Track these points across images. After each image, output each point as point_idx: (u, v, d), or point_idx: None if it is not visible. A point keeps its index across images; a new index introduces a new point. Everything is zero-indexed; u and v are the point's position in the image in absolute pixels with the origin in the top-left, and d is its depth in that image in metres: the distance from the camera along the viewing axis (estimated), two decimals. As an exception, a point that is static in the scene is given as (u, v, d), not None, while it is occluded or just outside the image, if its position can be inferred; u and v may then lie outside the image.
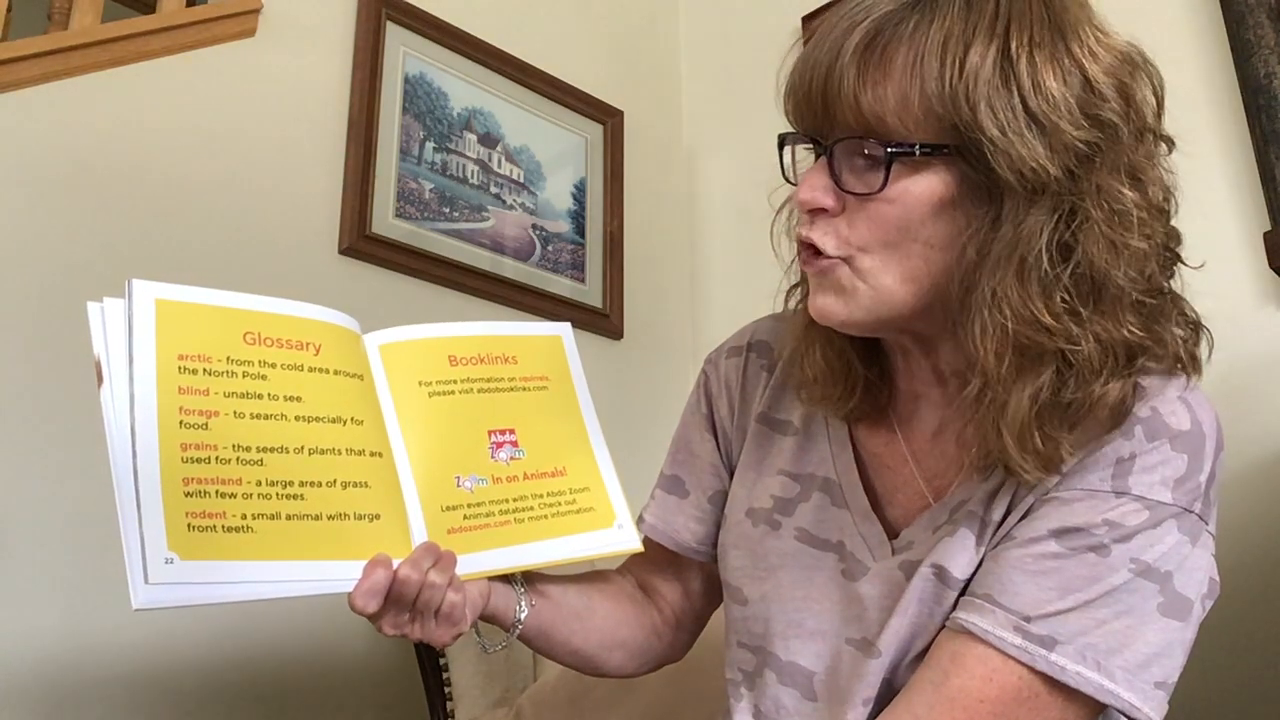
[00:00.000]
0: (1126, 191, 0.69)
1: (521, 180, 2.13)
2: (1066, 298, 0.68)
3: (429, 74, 2.03)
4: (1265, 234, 1.52)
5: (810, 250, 0.75)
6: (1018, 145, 0.67)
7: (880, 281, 0.73)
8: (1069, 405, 0.70)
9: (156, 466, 0.68)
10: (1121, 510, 0.70)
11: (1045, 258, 0.68)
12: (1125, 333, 0.69)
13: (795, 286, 0.87)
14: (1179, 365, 0.74)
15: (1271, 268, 1.52)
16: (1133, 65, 0.73)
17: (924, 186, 0.71)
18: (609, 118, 2.30)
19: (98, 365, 0.71)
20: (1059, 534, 0.71)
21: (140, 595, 0.65)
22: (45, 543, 1.43)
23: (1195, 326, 0.76)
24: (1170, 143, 0.75)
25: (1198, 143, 1.62)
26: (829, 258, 0.74)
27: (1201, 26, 1.68)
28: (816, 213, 0.74)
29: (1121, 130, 0.70)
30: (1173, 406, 0.72)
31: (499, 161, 2.10)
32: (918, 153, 0.70)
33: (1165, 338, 0.72)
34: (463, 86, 2.08)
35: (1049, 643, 0.69)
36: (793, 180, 0.79)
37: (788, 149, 0.79)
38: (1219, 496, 0.74)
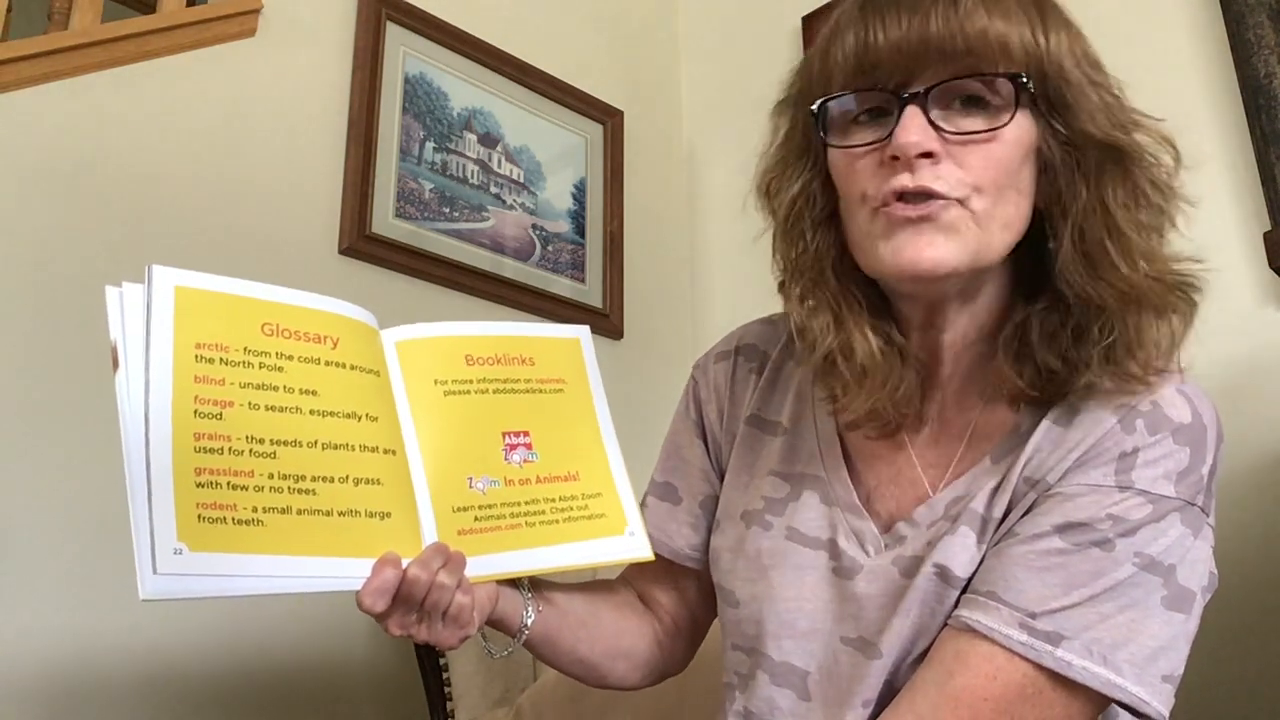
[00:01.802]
0: (1156, 162, 0.75)
1: (521, 180, 2.13)
2: (1150, 250, 0.73)
3: (429, 74, 2.03)
4: (1265, 234, 1.53)
5: (907, 197, 0.72)
6: (1091, 96, 0.72)
7: (989, 225, 0.73)
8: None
9: (169, 455, 0.68)
10: (1125, 505, 0.70)
11: (1122, 206, 0.72)
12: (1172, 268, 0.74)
13: (783, 284, 0.84)
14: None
15: (1271, 268, 1.52)
16: (1162, 135, 0.77)
17: (1022, 129, 0.73)
18: (609, 118, 2.30)
19: (114, 350, 0.70)
20: (1063, 529, 0.71)
21: (148, 585, 0.64)
22: (48, 542, 1.42)
23: None
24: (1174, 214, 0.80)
25: (1198, 143, 1.63)
26: (943, 198, 0.72)
27: (1201, 26, 1.68)
28: (920, 159, 0.72)
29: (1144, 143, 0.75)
30: (1173, 400, 0.73)
31: (499, 161, 2.10)
32: (1032, 87, 0.72)
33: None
34: (463, 86, 2.08)
35: (1055, 639, 0.69)
36: (836, 143, 0.77)
37: (837, 111, 0.76)
38: (1219, 490, 0.75)
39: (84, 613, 1.43)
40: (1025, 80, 0.71)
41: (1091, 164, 0.73)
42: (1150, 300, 0.72)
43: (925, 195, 0.72)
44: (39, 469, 1.44)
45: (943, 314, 0.79)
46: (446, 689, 1.48)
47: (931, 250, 0.72)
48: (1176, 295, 0.73)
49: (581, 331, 0.93)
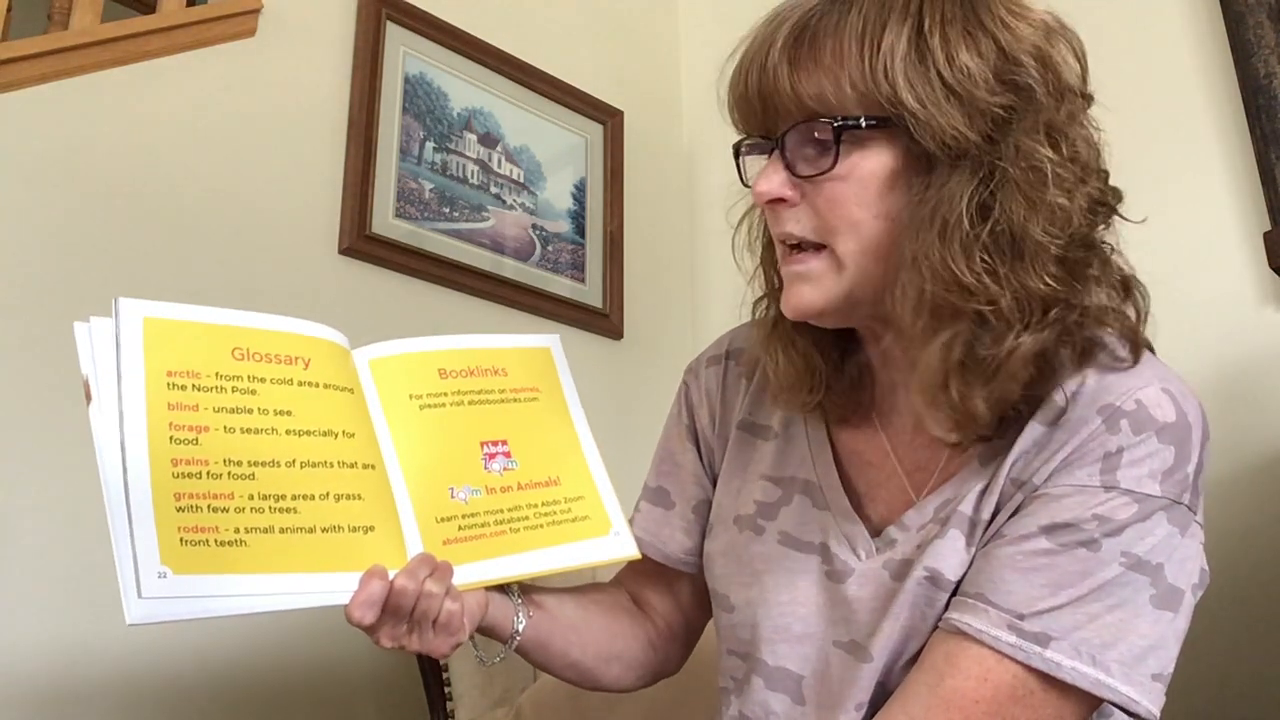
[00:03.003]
0: (1044, 150, 0.72)
1: (521, 180, 2.13)
2: (986, 257, 0.70)
3: (429, 74, 2.03)
4: (1265, 234, 1.52)
5: (790, 246, 0.78)
6: (937, 116, 0.71)
7: (857, 261, 0.75)
8: (983, 361, 0.71)
9: (147, 482, 0.68)
10: (1111, 504, 0.70)
11: (966, 219, 0.71)
12: (1041, 285, 0.71)
13: (762, 298, 0.88)
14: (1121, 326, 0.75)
15: (1271, 268, 1.51)
16: (1049, 30, 0.76)
17: (874, 162, 0.74)
18: (609, 118, 2.30)
19: (86, 384, 0.71)
20: (1049, 530, 0.71)
21: (134, 610, 0.65)
22: (43, 551, 1.42)
23: (1125, 283, 0.76)
24: (1090, 99, 0.77)
25: (1198, 143, 1.63)
26: (812, 246, 0.76)
27: (1201, 26, 1.67)
28: (777, 204, 0.77)
29: (1038, 92, 0.72)
30: (1157, 399, 0.72)
31: (499, 161, 2.10)
32: (863, 124, 0.72)
33: (1087, 290, 0.73)
34: (463, 86, 2.08)
35: (1043, 639, 0.69)
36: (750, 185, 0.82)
37: (745, 157, 0.82)
38: (1216, 489, 0.74)
39: (81, 622, 1.42)
40: (844, 123, 0.73)
41: (942, 178, 0.72)
42: (912, 332, 0.74)
43: (799, 246, 0.77)
44: (36, 474, 1.44)
45: (875, 334, 0.83)
46: (446, 689, 1.49)
47: (801, 299, 0.78)
48: (959, 320, 0.71)
49: (552, 340, 0.94)
